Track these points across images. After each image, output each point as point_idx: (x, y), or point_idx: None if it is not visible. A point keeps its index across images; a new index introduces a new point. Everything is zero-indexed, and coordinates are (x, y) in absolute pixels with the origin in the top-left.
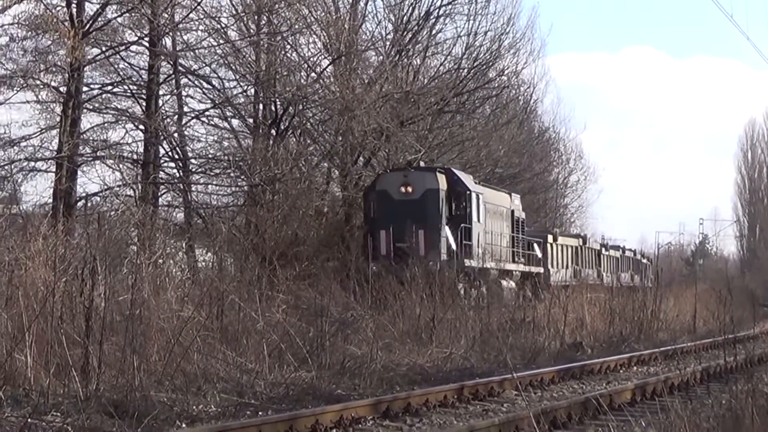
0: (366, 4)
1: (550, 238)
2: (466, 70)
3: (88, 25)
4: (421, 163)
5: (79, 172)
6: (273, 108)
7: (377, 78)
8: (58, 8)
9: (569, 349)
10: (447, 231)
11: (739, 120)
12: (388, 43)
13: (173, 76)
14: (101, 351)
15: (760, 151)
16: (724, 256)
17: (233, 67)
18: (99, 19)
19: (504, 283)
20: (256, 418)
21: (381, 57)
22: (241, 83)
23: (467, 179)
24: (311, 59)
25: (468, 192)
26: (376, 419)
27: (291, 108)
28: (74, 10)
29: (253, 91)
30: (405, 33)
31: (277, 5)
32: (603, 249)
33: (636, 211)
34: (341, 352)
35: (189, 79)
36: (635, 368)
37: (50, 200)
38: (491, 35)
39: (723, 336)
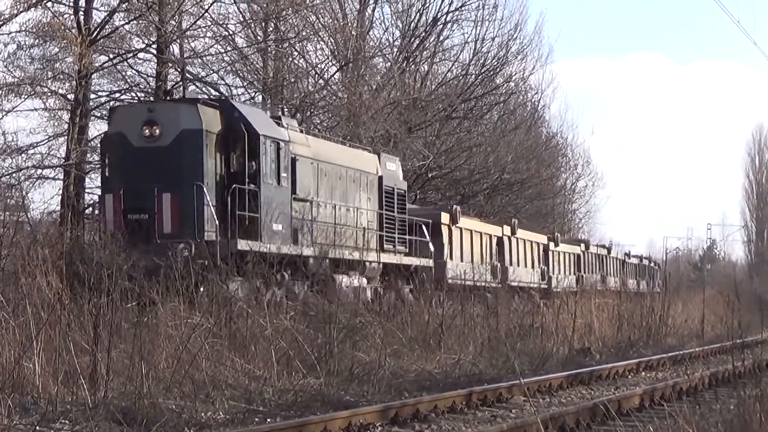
0: (373, 11)
1: (444, 218)
2: (473, 76)
3: (95, 33)
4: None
5: (87, 180)
6: (280, 114)
7: (385, 84)
8: (66, 16)
9: (577, 354)
10: (206, 195)
11: (746, 124)
12: (395, 49)
13: (181, 83)
14: (109, 358)
15: None
16: (732, 260)
17: (241, 74)
18: (106, 26)
19: (344, 279)
20: (265, 424)
21: (388, 63)
22: (249, 90)
23: (261, 117)
24: (319, 66)
25: (257, 136)
26: (385, 425)
27: (299, 114)
28: (82, 17)
29: (260, 97)
30: (412, 39)
31: (284, 12)
32: (552, 244)
33: (644, 217)
34: (350, 358)
35: (197, 86)
36: (643, 374)
37: (58, 208)
38: (499, 41)
39: (731, 341)
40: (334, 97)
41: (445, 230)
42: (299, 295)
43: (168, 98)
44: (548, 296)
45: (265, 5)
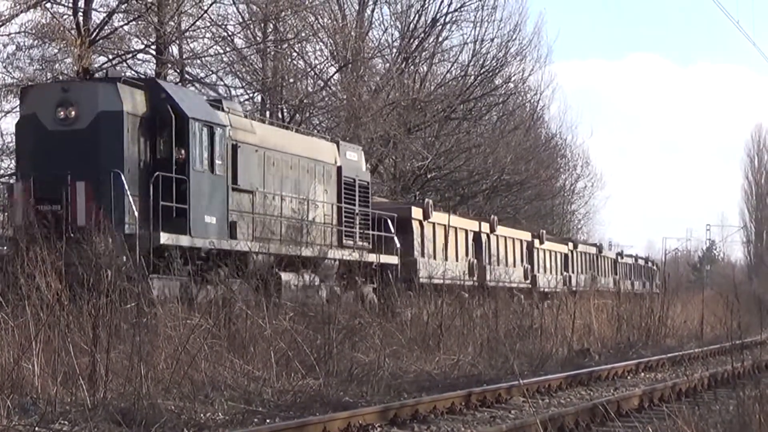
0: (372, 12)
1: (415, 213)
2: (472, 77)
3: (94, 34)
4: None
5: None
6: (280, 115)
7: (384, 85)
8: (65, 17)
9: (577, 355)
10: (125, 184)
11: (745, 125)
12: (394, 50)
13: (180, 83)
14: (108, 359)
15: (767, 157)
16: (731, 261)
17: (240, 75)
18: (105, 27)
19: (291, 278)
20: (264, 425)
21: (387, 64)
22: (248, 91)
23: (192, 99)
24: (318, 66)
25: (185, 119)
26: (384, 426)
27: (298, 115)
28: (81, 18)
29: (259, 98)
30: (411, 40)
31: (283, 13)
32: (537, 241)
33: (643, 217)
34: (349, 359)
35: (196, 87)
36: (643, 374)
37: None
38: (498, 42)
39: (730, 342)
40: (333, 98)
41: (415, 226)
42: (240, 295)
43: (87, 76)
44: (533, 296)
45: (264, 6)
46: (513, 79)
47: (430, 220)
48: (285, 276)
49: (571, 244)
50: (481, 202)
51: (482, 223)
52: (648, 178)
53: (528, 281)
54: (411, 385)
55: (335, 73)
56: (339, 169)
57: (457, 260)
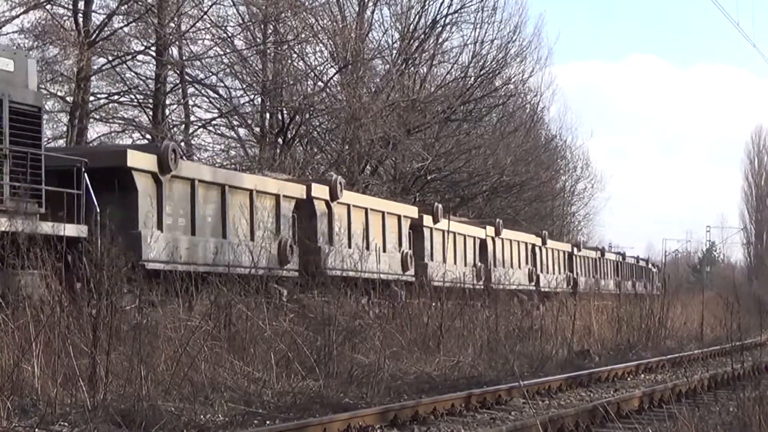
0: (372, 13)
1: (140, 162)
2: (472, 79)
3: (94, 35)
4: None
5: None
6: (280, 117)
7: (384, 86)
8: (65, 18)
9: (577, 356)
10: None
11: (745, 127)
12: (394, 51)
13: (180, 85)
14: (108, 361)
15: (767, 159)
16: (731, 263)
17: (240, 76)
18: (105, 28)
19: None
20: (264, 426)
21: (387, 65)
22: (248, 92)
23: None
24: (318, 68)
25: None
26: (384, 428)
27: (298, 117)
28: (81, 19)
29: (259, 100)
30: (411, 41)
31: (283, 14)
32: (429, 219)
33: (643, 219)
34: (349, 360)
35: (196, 89)
36: (643, 376)
37: None
38: (498, 43)
39: (730, 343)
40: (333, 100)
41: (143, 184)
42: None
43: None
44: (414, 291)
45: (264, 7)
46: (513, 80)
47: (174, 174)
48: None
49: (492, 229)
50: (480, 204)
51: (315, 187)
52: (648, 179)
53: (410, 272)
54: (411, 386)
55: (335, 74)
56: None
57: (252, 238)
